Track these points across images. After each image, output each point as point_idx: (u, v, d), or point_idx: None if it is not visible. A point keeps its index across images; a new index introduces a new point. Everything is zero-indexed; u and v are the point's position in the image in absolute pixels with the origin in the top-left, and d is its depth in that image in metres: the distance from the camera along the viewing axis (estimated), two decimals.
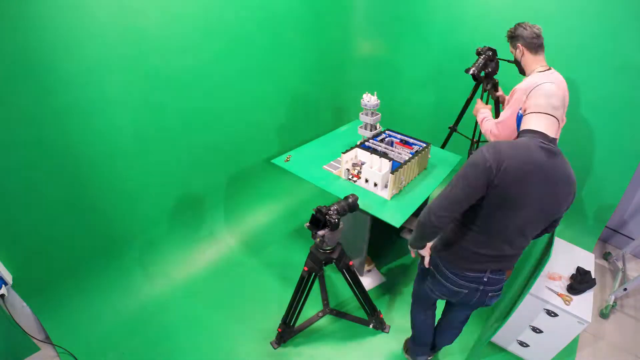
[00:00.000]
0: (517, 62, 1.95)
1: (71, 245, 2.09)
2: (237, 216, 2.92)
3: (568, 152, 2.71)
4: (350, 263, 1.89)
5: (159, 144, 2.28)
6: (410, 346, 2.01)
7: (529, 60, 1.87)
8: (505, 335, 2.05)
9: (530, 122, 1.26)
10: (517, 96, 1.79)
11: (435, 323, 1.87)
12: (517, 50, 1.89)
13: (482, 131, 2.01)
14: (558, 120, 1.24)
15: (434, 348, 1.99)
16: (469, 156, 1.91)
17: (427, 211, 1.28)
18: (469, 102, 2.52)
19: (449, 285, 1.43)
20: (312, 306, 2.27)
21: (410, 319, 1.90)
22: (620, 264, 2.67)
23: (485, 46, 2.19)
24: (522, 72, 1.96)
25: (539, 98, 1.26)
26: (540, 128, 1.24)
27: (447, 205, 1.24)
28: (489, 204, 1.23)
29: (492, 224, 1.27)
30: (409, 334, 2.19)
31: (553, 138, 1.24)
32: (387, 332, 2.19)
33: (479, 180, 1.18)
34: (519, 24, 1.89)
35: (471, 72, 2.14)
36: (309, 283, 1.90)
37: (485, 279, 1.37)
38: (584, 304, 1.79)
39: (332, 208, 1.65)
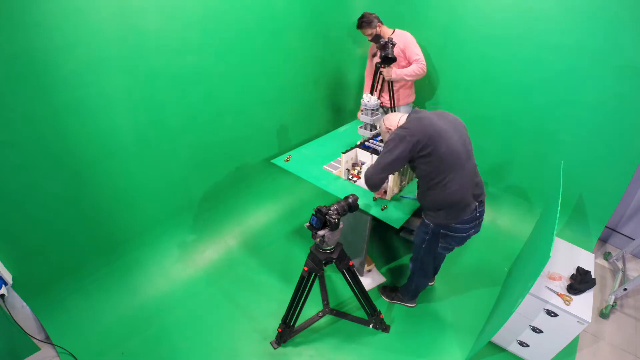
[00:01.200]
0: (378, 36, 2.61)
1: (71, 245, 2.09)
2: (237, 216, 2.92)
3: (568, 151, 2.73)
4: (350, 263, 1.89)
5: (159, 144, 2.28)
6: (407, 296, 2.32)
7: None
8: (505, 335, 2.05)
9: (401, 122, 1.80)
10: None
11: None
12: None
13: (415, 74, 2.69)
14: None
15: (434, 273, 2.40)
16: None
17: (369, 176, 1.79)
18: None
19: (460, 234, 1.80)
20: (312, 306, 2.27)
21: (412, 285, 2.21)
22: (620, 264, 2.67)
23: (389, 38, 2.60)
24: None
25: (391, 121, 1.89)
26: (405, 119, 1.79)
27: (383, 170, 1.74)
28: (428, 154, 1.63)
29: (440, 161, 1.65)
30: (409, 334, 2.19)
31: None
32: (387, 332, 2.19)
33: (404, 146, 1.65)
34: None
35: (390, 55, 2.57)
36: (309, 283, 1.90)
37: (477, 214, 1.79)
38: (584, 304, 1.79)
39: (332, 208, 1.65)
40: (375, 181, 1.79)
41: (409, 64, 2.75)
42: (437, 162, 1.65)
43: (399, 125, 1.78)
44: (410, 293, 2.28)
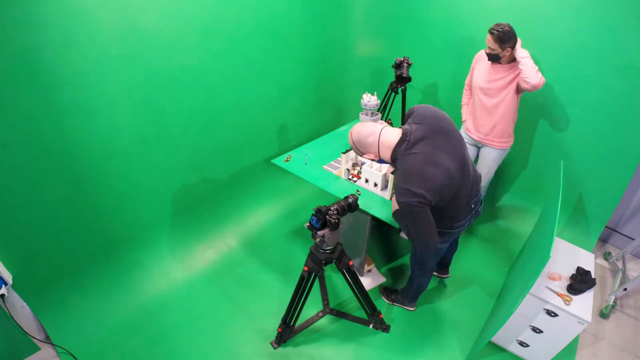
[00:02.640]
0: (498, 57, 2.15)
1: (71, 245, 2.10)
2: (237, 216, 2.92)
3: (568, 151, 2.72)
4: (350, 263, 1.89)
5: (159, 144, 2.28)
6: (407, 298, 2.27)
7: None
8: (505, 335, 2.05)
9: (385, 146, 1.52)
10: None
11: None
12: (507, 52, 2.13)
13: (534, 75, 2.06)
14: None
15: (446, 266, 2.44)
16: None
17: (426, 246, 1.56)
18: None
19: (455, 231, 1.73)
20: (312, 306, 2.27)
21: (414, 285, 2.15)
22: (620, 264, 2.67)
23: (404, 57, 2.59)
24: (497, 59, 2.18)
25: (365, 145, 1.57)
26: (389, 138, 1.50)
27: (433, 234, 1.51)
28: (437, 204, 1.46)
29: (446, 202, 1.51)
30: (409, 334, 2.20)
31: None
32: (387, 332, 2.19)
33: (427, 209, 1.42)
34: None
35: (405, 74, 2.55)
36: (309, 283, 1.90)
37: (472, 205, 1.70)
38: (584, 304, 1.79)
39: (332, 208, 1.65)
40: (432, 247, 1.57)
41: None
42: (444, 204, 1.52)
43: (393, 157, 1.49)
44: (411, 294, 2.24)
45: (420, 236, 1.52)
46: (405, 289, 2.26)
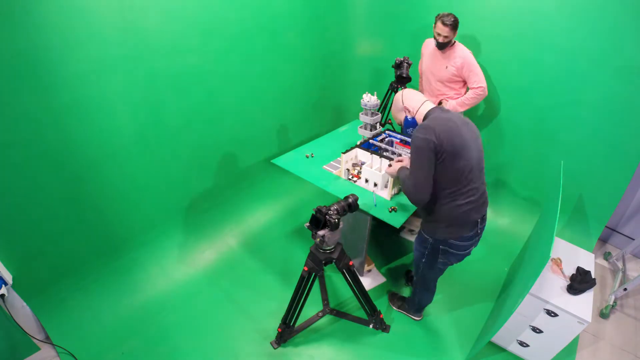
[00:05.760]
0: (448, 43, 2.43)
1: (71, 245, 2.10)
2: (237, 216, 2.92)
3: (568, 151, 2.72)
4: (350, 263, 1.89)
5: (159, 144, 2.28)
6: (412, 309, 2.26)
7: None
8: (505, 335, 2.05)
9: (424, 110, 1.68)
10: None
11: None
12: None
13: (469, 104, 2.55)
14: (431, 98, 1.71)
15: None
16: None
17: (414, 192, 1.60)
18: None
19: (461, 252, 1.74)
20: (312, 306, 2.27)
21: (415, 299, 2.17)
22: (620, 264, 2.67)
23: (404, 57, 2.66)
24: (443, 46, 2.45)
25: (411, 101, 1.73)
26: (429, 107, 1.67)
27: (426, 183, 1.57)
28: (445, 163, 1.54)
29: (455, 174, 1.56)
30: (409, 334, 2.20)
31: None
32: (387, 332, 2.19)
33: (432, 154, 1.52)
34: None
35: (405, 74, 2.61)
36: (309, 283, 1.90)
37: (478, 231, 1.71)
38: (584, 304, 1.79)
39: (332, 208, 1.65)
40: (419, 197, 1.59)
41: (464, 82, 2.55)
42: (452, 173, 1.55)
43: (423, 120, 1.65)
44: (414, 306, 2.22)
45: (416, 177, 1.58)
46: (409, 300, 2.25)
